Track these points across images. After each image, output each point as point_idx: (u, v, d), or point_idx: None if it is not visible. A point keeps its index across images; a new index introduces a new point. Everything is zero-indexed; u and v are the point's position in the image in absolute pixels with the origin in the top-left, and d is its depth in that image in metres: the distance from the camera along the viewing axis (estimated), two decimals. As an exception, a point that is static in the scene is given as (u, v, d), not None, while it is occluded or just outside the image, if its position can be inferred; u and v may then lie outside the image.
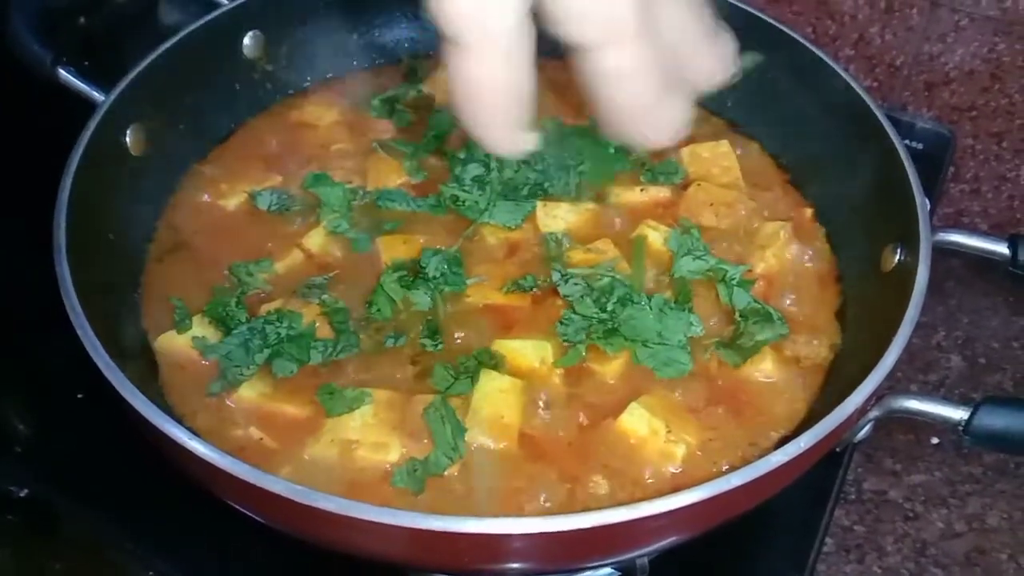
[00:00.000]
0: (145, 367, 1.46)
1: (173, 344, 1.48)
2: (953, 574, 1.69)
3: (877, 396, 1.26)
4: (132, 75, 1.64)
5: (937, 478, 1.85)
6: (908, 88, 2.35)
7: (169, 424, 1.17)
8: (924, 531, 1.76)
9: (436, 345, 1.48)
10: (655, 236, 1.65)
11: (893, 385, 1.80)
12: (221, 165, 1.81)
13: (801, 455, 1.14)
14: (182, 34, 1.74)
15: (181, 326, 1.48)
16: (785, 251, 1.65)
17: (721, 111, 1.96)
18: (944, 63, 2.28)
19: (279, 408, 1.41)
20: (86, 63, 1.68)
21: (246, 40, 1.88)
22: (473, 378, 1.42)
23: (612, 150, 1.82)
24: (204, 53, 1.79)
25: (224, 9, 1.82)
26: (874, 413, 1.26)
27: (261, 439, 1.37)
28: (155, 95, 1.69)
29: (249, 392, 1.41)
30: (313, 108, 1.93)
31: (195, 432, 1.35)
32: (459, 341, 1.50)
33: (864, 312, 1.53)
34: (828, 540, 1.68)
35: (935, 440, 1.94)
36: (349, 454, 1.34)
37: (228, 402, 1.41)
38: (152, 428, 1.17)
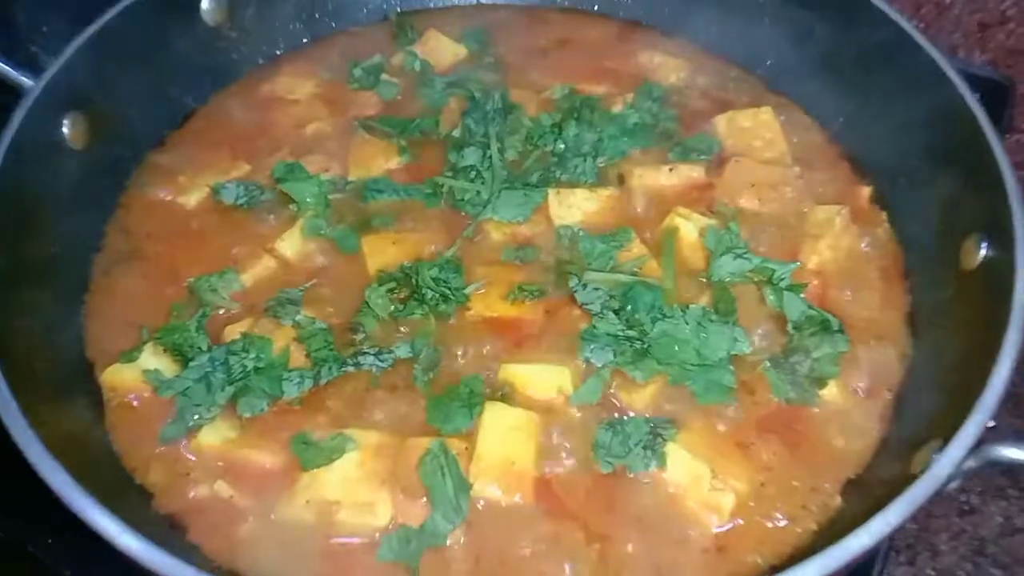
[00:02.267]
0: (88, 407, 1.24)
1: (121, 378, 1.25)
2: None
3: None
4: (67, 54, 1.38)
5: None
6: (959, 29, 2.08)
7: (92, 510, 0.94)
8: (981, 527, 1.53)
9: (428, 374, 1.24)
10: (688, 227, 1.40)
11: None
12: (180, 154, 1.56)
13: (888, 533, 0.91)
14: (125, 3, 1.47)
15: (129, 356, 1.25)
16: (843, 241, 1.40)
17: (759, 71, 1.69)
18: (1001, 1, 1.99)
19: (247, 456, 1.18)
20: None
21: (205, 3, 1.61)
22: (473, 410, 1.19)
23: (634, 121, 1.57)
24: (155, 22, 1.53)
25: (175, -33, 1.55)
26: (968, 464, 1.02)
27: (231, 497, 1.15)
28: (97, 76, 1.43)
29: (211, 437, 1.19)
30: (287, 80, 1.67)
31: (147, 490, 1.15)
32: (461, 363, 1.27)
33: (941, 318, 1.28)
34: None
35: (992, 423, 1.72)
36: (328, 517, 1.12)
37: (185, 452, 1.19)
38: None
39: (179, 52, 1.59)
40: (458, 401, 1.21)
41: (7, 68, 1.36)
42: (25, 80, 1.35)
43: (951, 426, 1.03)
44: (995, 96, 1.94)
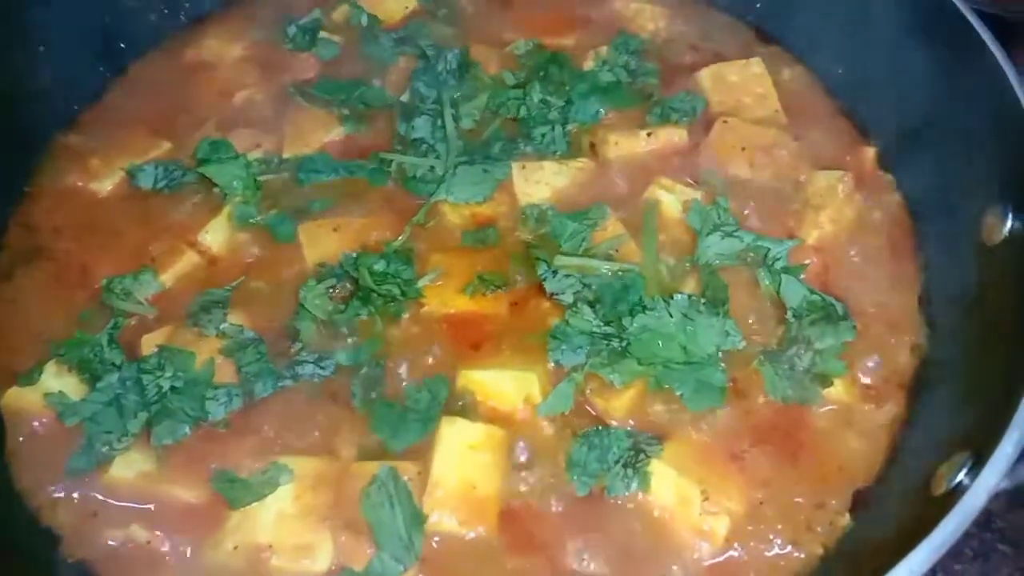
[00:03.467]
0: (-12, 436, 1.08)
1: (21, 404, 1.09)
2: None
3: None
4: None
5: None
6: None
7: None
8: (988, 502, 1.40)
9: (369, 393, 1.08)
10: (671, 201, 1.23)
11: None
12: (93, 133, 1.37)
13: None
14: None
15: (28, 377, 1.08)
16: (845, 211, 1.23)
17: (747, 15, 1.50)
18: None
19: (167, 492, 1.03)
20: None
21: (115, -45, 1.41)
22: (428, 424, 1.04)
23: (608, 80, 1.38)
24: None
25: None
26: (1004, 485, 0.87)
27: (148, 542, 1.00)
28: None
29: (124, 470, 1.03)
30: (213, 43, 1.48)
31: (54, 533, 0.99)
32: (410, 371, 1.11)
33: (960, 302, 1.12)
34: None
35: None
36: (260, 565, 0.96)
37: (96, 488, 1.03)
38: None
39: (88, 17, 1.39)
40: (412, 412, 1.05)
41: None
42: None
43: (981, 439, 0.87)
44: (1004, 36, 1.76)
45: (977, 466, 0.85)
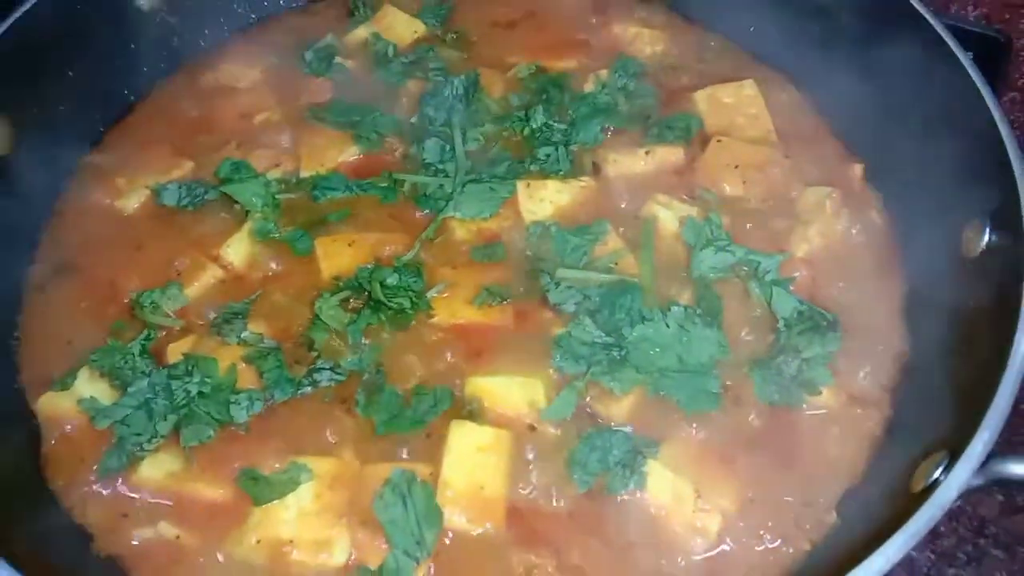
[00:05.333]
0: (24, 441, 1.14)
1: (55, 408, 1.15)
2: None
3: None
4: (-19, 50, 1.26)
5: None
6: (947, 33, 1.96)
7: None
8: (981, 507, 1.45)
9: (371, 398, 1.14)
10: (667, 217, 1.30)
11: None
12: (117, 153, 1.44)
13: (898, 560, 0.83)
14: (46, -12, 1.34)
15: (63, 382, 1.15)
16: (833, 226, 1.30)
17: (740, 39, 1.57)
18: (999, -48, 1.88)
19: (193, 490, 1.09)
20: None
21: (137, -14, 1.49)
22: (421, 423, 1.11)
23: (607, 102, 1.45)
24: (83, 10, 1.40)
25: (101, -52, 1.42)
26: (975, 482, 0.93)
27: (177, 536, 1.06)
28: (20, 73, 1.31)
29: (153, 471, 1.10)
30: (231, 67, 1.55)
31: (86, 532, 1.06)
32: (421, 377, 1.17)
33: (941, 312, 1.18)
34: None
35: None
36: (282, 559, 1.03)
37: (127, 487, 1.09)
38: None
39: (112, 42, 1.46)
40: (411, 409, 1.13)
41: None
42: (-65, 82, 1.23)
43: (956, 439, 0.94)
44: (991, 52, 1.83)
45: (951, 464, 0.91)
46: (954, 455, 0.92)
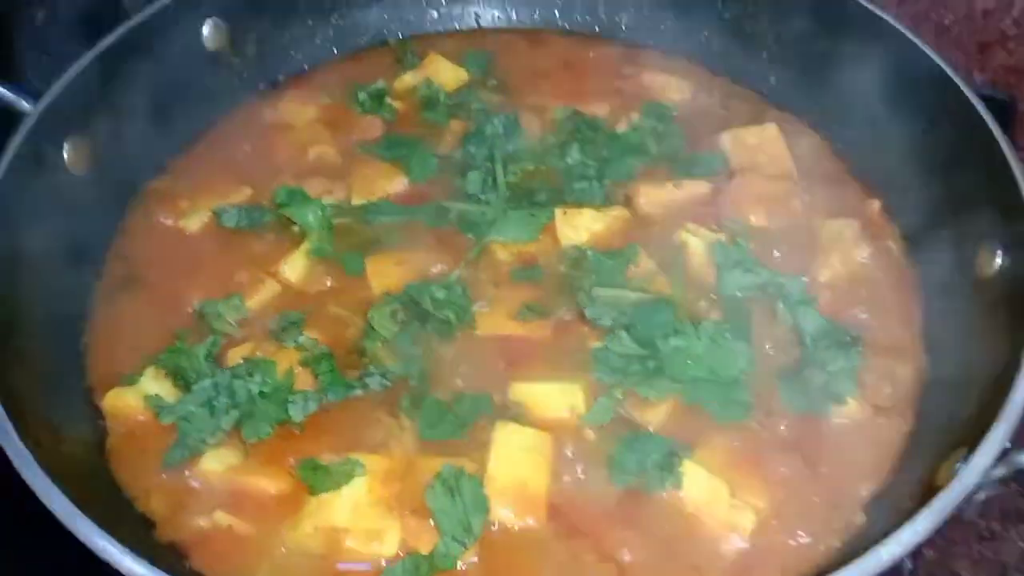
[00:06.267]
0: (91, 435, 1.21)
1: (122, 404, 1.22)
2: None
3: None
4: (66, 78, 1.37)
5: (1014, 490, 1.58)
6: (959, 49, 2.07)
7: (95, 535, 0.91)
8: (1002, 553, 1.49)
9: (416, 403, 1.21)
10: (696, 243, 1.38)
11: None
12: (181, 179, 1.54)
13: (918, 543, 0.88)
14: (127, 27, 1.46)
15: (130, 379, 1.22)
16: (854, 254, 1.38)
17: (762, 88, 1.68)
18: (999, 19, 1.99)
19: (252, 482, 1.15)
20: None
21: (206, 29, 1.61)
22: (465, 427, 1.18)
23: (638, 141, 1.56)
24: (157, 48, 1.52)
25: (177, -7, 1.55)
26: (998, 472, 0.99)
27: (230, 526, 1.12)
28: (98, 100, 1.42)
29: (214, 464, 1.16)
30: (289, 105, 1.66)
31: (148, 519, 1.12)
32: (464, 383, 1.24)
33: (958, 329, 1.26)
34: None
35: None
36: (336, 545, 1.08)
37: (189, 478, 1.16)
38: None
39: (180, 78, 1.57)
40: (452, 415, 1.19)
41: (6, 91, 1.34)
42: (25, 104, 1.34)
43: (976, 435, 1.00)
44: (997, 116, 1.93)
45: (971, 455, 0.97)
46: (973, 448, 0.98)
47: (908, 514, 0.94)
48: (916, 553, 1.35)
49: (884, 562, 0.87)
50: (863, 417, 1.21)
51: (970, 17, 2.03)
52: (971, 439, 1.00)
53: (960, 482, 0.93)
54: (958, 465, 0.98)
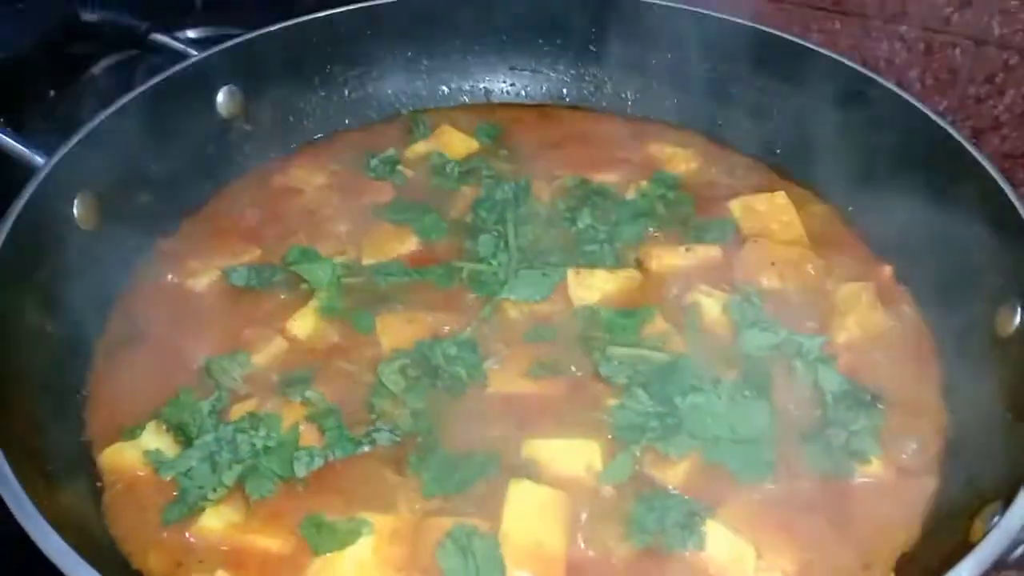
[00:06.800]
0: (87, 490, 1.16)
1: (121, 459, 1.18)
2: None
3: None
4: (80, 135, 1.38)
5: None
6: (968, 142, 2.13)
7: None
8: None
9: (423, 458, 1.17)
10: (710, 304, 1.37)
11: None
12: (190, 239, 1.53)
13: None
14: (142, 88, 1.48)
15: (131, 432, 1.18)
16: (871, 316, 1.37)
17: (768, 157, 1.70)
18: (993, 106, 2.04)
19: (254, 541, 1.10)
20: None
21: (220, 96, 1.63)
22: (472, 481, 1.13)
23: (648, 206, 1.56)
24: (170, 111, 1.53)
25: (193, 60, 1.57)
26: (1037, 526, 0.95)
27: (232, 585, 1.06)
28: (110, 159, 1.42)
29: (215, 521, 1.11)
30: (299, 171, 1.67)
31: (144, 576, 1.06)
32: (477, 439, 1.20)
33: (982, 388, 1.23)
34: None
35: None
36: (341, 607, 1.02)
37: (188, 535, 1.10)
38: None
39: (192, 141, 1.59)
40: (458, 471, 1.15)
41: (17, 145, 1.35)
42: (37, 158, 1.34)
43: (1008, 488, 0.96)
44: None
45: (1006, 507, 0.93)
46: (1007, 502, 0.94)
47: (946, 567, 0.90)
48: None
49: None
50: (888, 477, 1.17)
51: (964, 104, 2.08)
52: (1005, 492, 0.96)
53: (1001, 529, 0.88)
54: (995, 518, 0.94)
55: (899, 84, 2.02)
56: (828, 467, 1.16)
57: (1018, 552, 0.98)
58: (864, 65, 1.63)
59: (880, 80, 1.53)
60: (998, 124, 2.07)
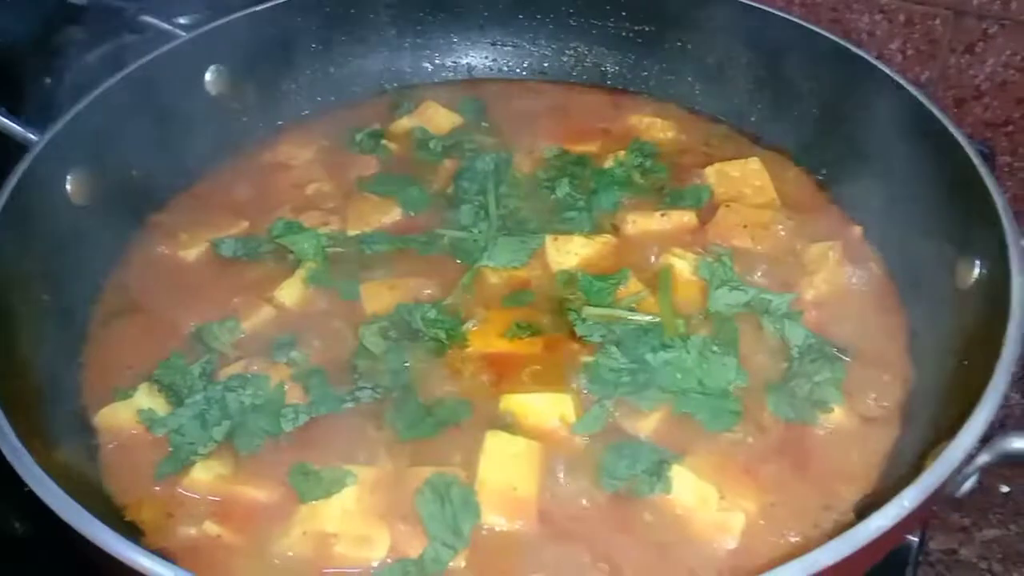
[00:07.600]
0: (83, 450, 1.21)
1: (115, 419, 1.23)
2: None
3: (985, 437, 0.99)
4: (72, 113, 1.43)
5: (1013, 532, 1.57)
6: (934, 105, 2.16)
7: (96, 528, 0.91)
8: None
9: (399, 414, 1.22)
10: (682, 265, 1.41)
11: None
12: (181, 213, 1.58)
13: (904, 519, 0.88)
14: (132, 67, 1.53)
15: (124, 393, 1.23)
16: (838, 274, 1.41)
17: (743, 125, 1.74)
18: (974, 76, 2.08)
19: (241, 492, 1.15)
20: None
21: (208, 75, 1.68)
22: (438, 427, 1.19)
23: (625, 175, 1.61)
24: (160, 90, 1.58)
25: (182, 40, 1.62)
26: (983, 459, 0.99)
27: (219, 536, 1.11)
28: (101, 136, 1.47)
29: (204, 474, 1.16)
30: (287, 148, 1.72)
31: (138, 527, 1.11)
32: (455, 394, 1.26)
33: (942, 339, 1.27)
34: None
35: (1005, 488, 1.69)
36: (325, 550, 1.07)
37: (179, 488, 1.16)
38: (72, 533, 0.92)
39: (182, 119, 1.63)
40: (431, 417, 1.21)
41: (12, 123, 1.40)
42: (31, 135, 1.39)
43: (958, 427, 1.01)
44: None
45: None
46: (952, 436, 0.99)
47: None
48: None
49: (871, 531, 0.87)
50: (851, 425, 1.22)
51: (945, 74, 2.11)
52: (954, 432, 1.01)
53: (944, 459, 0.93)
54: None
55: (880, 56, 2.08)
56: (792, 415, 1.21)
57: (967, 486, 1.03)
58: (845, 37, 1.66)
59: (852, 48, 1.56)
60: (980, 93, 2.11)
